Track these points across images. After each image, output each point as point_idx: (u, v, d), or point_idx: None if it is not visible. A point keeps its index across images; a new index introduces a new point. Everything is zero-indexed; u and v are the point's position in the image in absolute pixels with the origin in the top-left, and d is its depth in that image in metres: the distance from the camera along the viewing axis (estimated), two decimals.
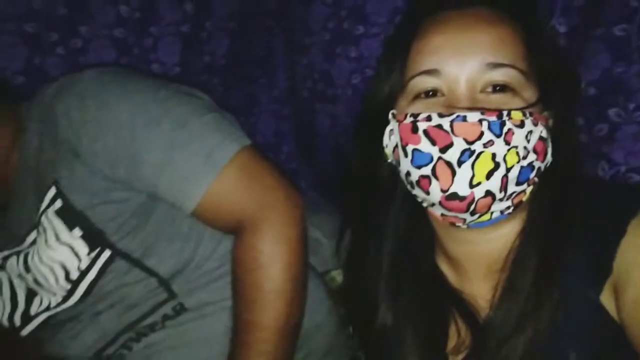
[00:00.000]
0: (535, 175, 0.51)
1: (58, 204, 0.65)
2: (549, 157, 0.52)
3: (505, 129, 0.48)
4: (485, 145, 0.47)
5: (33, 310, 0.72)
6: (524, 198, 0.51)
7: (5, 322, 0.75)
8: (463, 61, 0.50)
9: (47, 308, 0.71)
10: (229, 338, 0.68)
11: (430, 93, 0.51)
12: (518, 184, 0.49)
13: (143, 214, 0.68)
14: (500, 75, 0.50)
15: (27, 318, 0.73)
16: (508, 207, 0.51)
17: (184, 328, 0.70)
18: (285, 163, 1.51)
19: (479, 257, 0.54)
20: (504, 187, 0.49)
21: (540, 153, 0.50)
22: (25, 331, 0.74)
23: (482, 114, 0.48)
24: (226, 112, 0.74)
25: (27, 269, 0.69)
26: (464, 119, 0.47)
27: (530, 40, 0.52)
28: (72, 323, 0.70)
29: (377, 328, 0.58)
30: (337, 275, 1.04)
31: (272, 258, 0.66)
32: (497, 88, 0.50)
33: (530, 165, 0.50)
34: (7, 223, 0.71)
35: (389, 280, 0.58)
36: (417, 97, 0.52)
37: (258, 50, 1.51)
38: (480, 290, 0.55)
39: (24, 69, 1.05)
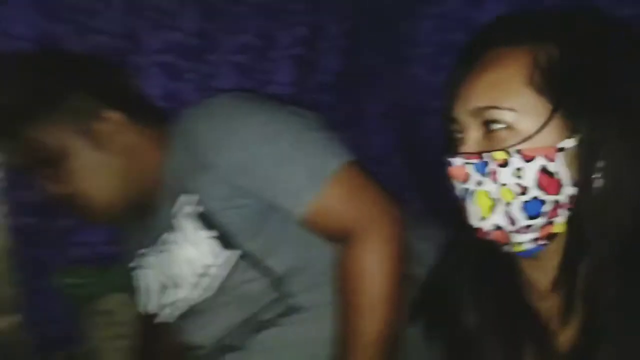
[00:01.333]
0: (556, 208, 0.51)
1: (192, 208, 0.76)
2: (566, 190, 0.50)
3: (487, 170, 0.52)
4: (477, 184, 0.53)
5: (165, 300, 0.84)
6: (554, 230, 0.52)
7: (144, 309, 0.88)
8: (466, 107, 0.54)
9: (178, 300, 0.82)
10: (331, 340, 0.73)
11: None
12: (530, 217, 0.51)
13: (263, 218, 0.76)
14: (489, 115, 0.52)
15: (160, 307, 0.85)
16: (536, 239, 0.52)
17: (296, 327, 0.77)
18: (393, 176, 1.54)
19: (536, 281, 0.57)
20: (511, 221, 0.52)
21: (547, 187, 0.50)
22: (159, 319, 0.86)
23: (464, 157, 0.53)
24: (331, 131, 0.81)
25: (165, 265, 0.81)
26: (450, 164, 0.54)
27: (553, 64, 0.51)
28: (199, 315, 0.80)
29: (460, 331, 0.59)
30: None
31: (374, 269, 0.71)
32: (492, 127, 0.52)
33: (537, 200, 0.50)
34: (152, 225, 0.84)
35: (473, 285, 0.60)
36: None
37: (365, 66, 1.57)
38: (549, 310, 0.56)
39: (164, 95, 1.23)
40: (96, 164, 0.77)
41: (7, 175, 1.05)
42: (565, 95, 0.50)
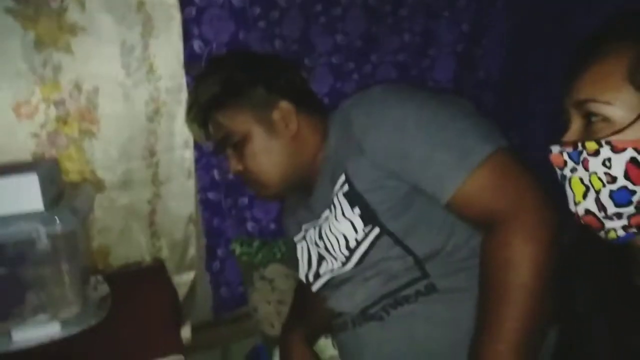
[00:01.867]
0: None
1: (345, 187, 0.85)
2: None
3: (581, 158, 0.57)
4: (572, 171, 0.58)
5: (322, 271, 0.95)
6: None
7: (303, 278, 1.01)
8: (570, 100, 0.59)
9: (332, 270, 0.92)
10: (471, 322, 0.75)
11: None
12: (618, 205, 0.54)
13: (407, 201, 0.81)
14: (589, 108, 0.57)
15: (317, 276, 0.96)
16: (627, 227, 0.56)
17: (434, 306, 0.80)
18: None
19: None
20: (601, 207, 0.56)
21: (636, 178, 0.53)
22: (315, 287, 0.98)
23: (561, 146, 0.60)
24: (486, 117, 0.82)
25: (321, 237, 0.91)
26: (551, 151, 0.60)
27: None
28: (347, 284, 0.89)
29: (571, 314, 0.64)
30: None
31: (522, 256, 0.70)
32: (592, 119, 0.57)
33: (625, 189, 0.54)
34: (311, 203, 0.96)
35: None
36: None
37: (535, 63, 1.50)
38: None
39: (329, 92, 1.36)
40: (270, 147, 0.90)
41: (198, 156, 1.28)
42: None
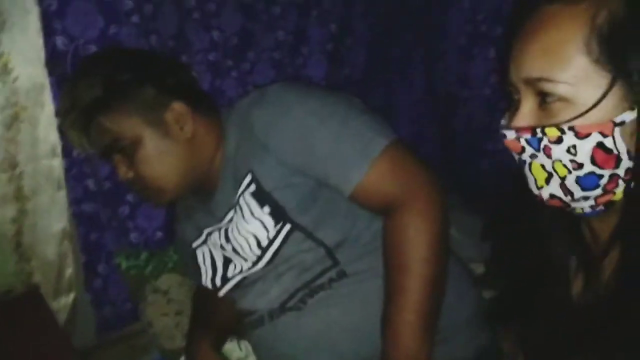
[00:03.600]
0: (614, 180, 0.48)
1: (252, 187, 0.84)
2: (625, 163, 0.47)
3: (542, 145, 0.49)
4: (531, 157, 0.51)
5: (229, 273, 0.92)
6: (613, 198, 0.50)
7: (208, 284, 0.97)
8: (518, 75, 0.50)
9: (241, 271, 0.90)
10: (381, 300, 0.81)
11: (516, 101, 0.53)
12: (585, 189, 0.49)
13: (314, 195, 0.83)
14: (542, 87, 0.48)
15: (225, 280, 0.93)
16: (594, 206, 0.51)
17: (346, 290, 0.84)
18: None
19: (597, 236, 0.55)
20: (567, 192, 0.50)
21: (603, 163, 0.47)
22: (223, 291, 0.95)
23: (517, 132, 0.50)
24: (376, 113, 0.88)
25: (227, 240, 0.89)
26: (505, 136, 0.52)
27: (615, 25, 0.45)
28: (260, 282, 0.88)
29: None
30: None
31: (418, 232, 0.78)
32: (547, 99, 0.49)
33: (592, 174, 0.48)
34: (212, 206, 0.92)
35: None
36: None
37: (395, 59, 1.64)
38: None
39: (208, 90, 1.32)
40: (164, 151, 0.84)
41: (68, 165, 1.15)
42: (627, 62, 0.45)
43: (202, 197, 0.94)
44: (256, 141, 0.83)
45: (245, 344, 1.19)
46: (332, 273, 0.84)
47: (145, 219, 1.31)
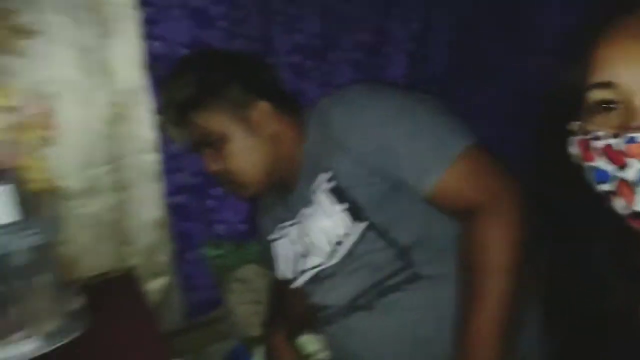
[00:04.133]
0: None
1: (330, 184, 0.85)
2: None
3: None
4: None
5: (304, 267, 0.95)
6: None
7: (283, 277, 1.00)
8: (630, 71, 0.46)
9: (314, 266, 0.93)
10: (454, 306, 0.79)
11: (607, 106, 0.48)
12: None
13: (391, 195, 0.83)
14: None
15: (299, 274, 0.96)
16: None
17: (418, 293, 0.83)
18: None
19: None
20: None
21: None
22: (297, 284, 0.98)
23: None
24: (456, 115, 0.86)
25: (303, 235, 0.92)
26: (632, 140, 0.45)
27: None
28: (333, 279, 0.90)
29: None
30: None
31: (498, 238, 0.75)
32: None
33: None
34: (290, 202, 0.96)
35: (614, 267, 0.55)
36: (595, 109, 0.49)
37: (478, 58, 1.58)
38: None
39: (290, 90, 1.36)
40: (249, 147, 0.89)
41: (164, 159, 1.24)
42: None
43: (282, 193, 0.97)
44: (335, 140, 0.84)
45: (320, 339, 1.22)
46: (404, 275, 0.84)
47: (230, 212, 1.38)
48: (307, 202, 0.90)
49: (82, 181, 1.14)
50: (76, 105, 1.10)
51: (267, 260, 1.12)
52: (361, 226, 0.84)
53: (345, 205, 0.84)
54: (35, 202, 0.93)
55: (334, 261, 0.88)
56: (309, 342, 1.18)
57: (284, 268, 1.00)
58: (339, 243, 0.86)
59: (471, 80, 1.57)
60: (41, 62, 1.04)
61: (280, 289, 1.14)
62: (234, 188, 0.94)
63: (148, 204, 1.24)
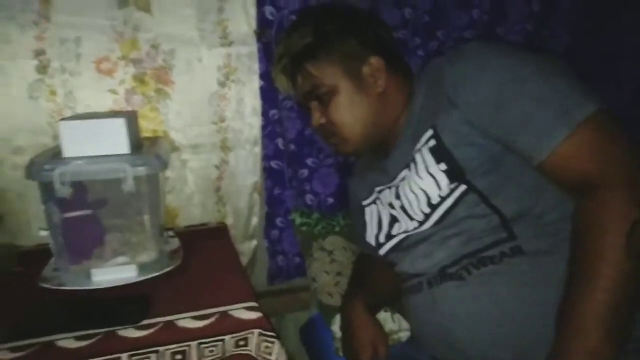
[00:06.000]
0: None
1: (432, 142, 0.80)
2: None
3: None
4: None
5: (394, 232, 0.90)
6: None
7: (372, 241, 0.96)
8: None
9: (406, 231, 0.87)
10: (560, 287, 0.69)
11: None
12: None
13: (498, 159, 0.75)
14: None
15: (389, 238, 0.92)
16: None
17: (519, 269, 0.74)
18: None
19: None
20: None
21: None
22: (385, 249, 0.93)
23: None
24: (582, 79, 0.76)
25: (398, 197, 0.87)
26: None
27: None
28: (424, 245, 0.84)
29: None
30: None
31: (618, 217, 0.64)
32: None
33: None
34: (387, 165, 0.91)
35: None
36: None
37: (604, 48, 1.42)
38: None
39: None
40: (356, 102, 0.86)
41: (264, 124, 1.25)
42: None
43: (379, 155, 0.93)
44: (445, 97, 0.78)
45: (398, 318, 1.16)
46: (506, 247, 0.75)
47: (321, 184, 1.36)
48: (406, 165, 0.85)
49: (191, 137, 1.19)
50: (192, 63, 1.15)
51: (355, 230, 1.09)
52: (460, 189, 0.77)
53: (445, 166, 0.78)
54: (150, 145, 0.98)
55: (426, 226, 0.82)
56: (387, 321, 1.13)
57: (373, 234, 0.95)
58: (433, 207, 0.80)
59: (592, 74, 1.41)
60: (164, 18, 1.09)
61: (364, 263, 1.10)
62: (336, 143, 0.91)
63: (247, 167, 1.26)
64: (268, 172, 1.30)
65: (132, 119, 0.89)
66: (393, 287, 1.00)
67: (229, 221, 1.28)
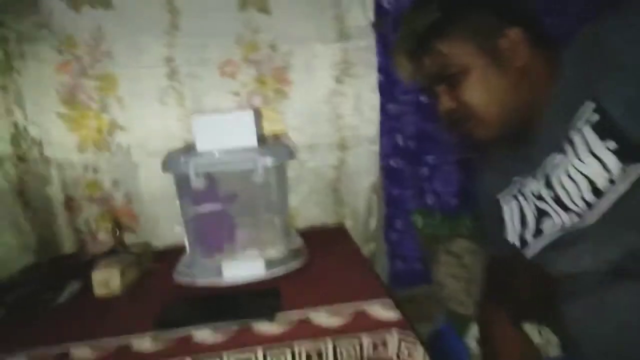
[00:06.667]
0: None
1: (594, 118, 0.68)
2: None
3: None
4: None
5: (544, 228, 0.78)
6: None
7: (515, 240, 0.85)
8: None
9: (562, 226, 0.75)
10: None
11: None
12: None
13: None
14: None
15: (537, 235, 0.80)
16: None
17: None
18: None
19: None
20: None
21: None
22: (534, 248, 0.81)
23: None
24: None
25: (549, 186, 0.75)
26: None
27: None
28: (588, 240, 0.71)
29: None
30: None
31: None
32: None
33: None
34: (529, 151, 0.80)
35: None
36: None
37: None
38: None
39: None
40: (493, 79, 0.76)
41: (382, 120, 1.19)
42: None
43: (517, 142, 0.82)
44: (608, 60, 0.66)
45: (545, 331, 1.02)
46: None
47: (442, 183, 1.27)
48: (557, 148, 0.73)
49: (308, 136, 1.17)
50: (307, 61, 1.13)
51: (486, 230, 0.97)
52: (636, 171, 0.64)
53: (613, 144, 0.65)
54: (272, 141, 0.97)
55: (591, 218, 0.70)
56: (533, 334, 0.99)
57: (515, 232, 0.84)
58: (600, 194, 0.67)
59: None
60: (282, 17, 1.09)
61: (501, 267, 0.97)
62: (470, 128, 0.81)
63: (365, 167, 1.21)
64: (386, 171, 1.24)
65: (256, 115, 0.88)
66: (538, 294, 0.88)
67: (347, 222, 1.23)
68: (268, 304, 0.73)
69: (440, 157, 1.25)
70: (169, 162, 0.78)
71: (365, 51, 1.14)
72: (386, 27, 1.12)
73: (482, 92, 0.76)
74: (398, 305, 0.77)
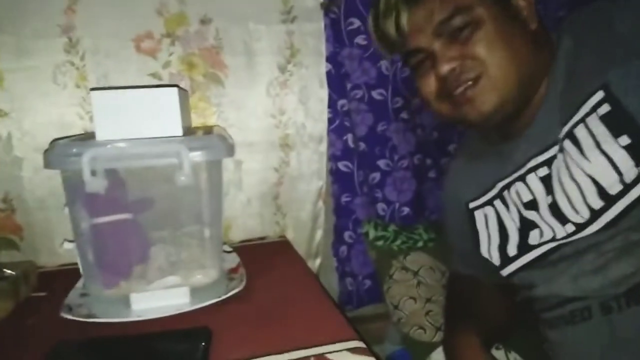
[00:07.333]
0: None
1: (604, 108, 0.56)
2: None
3: None
4: None
5: (532, 241, 0.66)
6: None
7: (493, 254, 0.71)
8: None
9: (554, 238, 0.63)
10: None
11: None
12: None
13: None
14: None
15: (524, 249, 0.67)
16: None
17: None
18: None
19: None
20: None
21: None
22: (517, 264, 0.68)
23: None
24: None
25: (553, 190, 0.62)
26: None
27: None
28: (593, 254, 0.59)
29: None
30: None
31: None
32: None
33: None
34: (516, 148, 0.67)
35: None
36: None
37: None
38: None
39: None
40: (507, 36, 0.61)
41: (331, 117, 1.04)
42: None
43: (502, 137, 0.69)
44: (616, 42, 0.55)
45: (514, 356, 0.90)
46: None
47: (394, 191, 1.13)
48: (553, 144, 0.61)
49: (243, 132, 0.97)
50: (245, 43, 0.94)
51: (453, 242, 0.84)
52: None
53: (627, 139, 0.54)
54: (202, 134, 0.77)
55: (594, 228, 0.58)
56: (501, 358, 0.87)
57: (494, 245, 0.71)
58: (610, 199, 0.55)
59: None
60: None
61: (465, 286, 0.84)
62: (472, 95, 0.63)
63: (310, 169, 1.04)
64: (335, 175, 1.08)
65: (182, 95, 0.68)
66: (507, 316, 0.76)
67: (290, 234, 1.05)
68: (193, 350, 0.53)
69: (393, 162, 1.11)
70: (55, 155, 0.55)
71: (312, 36, 0.97)
72: (338, 10, 0.96)
73: (497, 46, 0.60)
74: (367, 343, 0.59)
